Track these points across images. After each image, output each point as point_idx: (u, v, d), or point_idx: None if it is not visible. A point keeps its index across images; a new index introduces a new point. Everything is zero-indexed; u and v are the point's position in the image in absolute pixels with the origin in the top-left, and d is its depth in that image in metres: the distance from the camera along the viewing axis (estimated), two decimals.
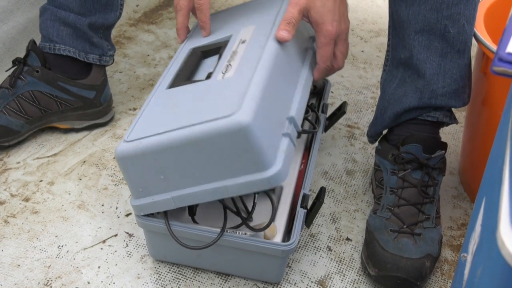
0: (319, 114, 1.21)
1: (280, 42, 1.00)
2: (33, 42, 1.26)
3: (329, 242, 1.12)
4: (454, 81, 1.07)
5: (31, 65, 1.25)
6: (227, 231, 0.96)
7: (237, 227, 0.98)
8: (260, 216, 1.03)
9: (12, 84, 1.24)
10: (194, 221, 1.00)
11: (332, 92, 1.49)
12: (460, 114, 1.41)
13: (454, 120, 1.12)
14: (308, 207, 1.02)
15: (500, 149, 0.62)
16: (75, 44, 1.27)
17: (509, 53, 0.52)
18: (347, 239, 1.13)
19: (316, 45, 1.05)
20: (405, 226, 1.05)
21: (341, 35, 1.04)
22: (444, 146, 1.10)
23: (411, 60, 1.07)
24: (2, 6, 1.41)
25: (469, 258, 0.67)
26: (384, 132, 1.17)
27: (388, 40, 1.13)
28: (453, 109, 1.12)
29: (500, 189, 0.51)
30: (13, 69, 1.27)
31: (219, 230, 0.95)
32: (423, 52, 1.05)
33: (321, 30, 1.01)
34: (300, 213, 1.00)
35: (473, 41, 1.08)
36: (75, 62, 1.28)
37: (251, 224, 0.99)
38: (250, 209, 0.98)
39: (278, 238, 0.99)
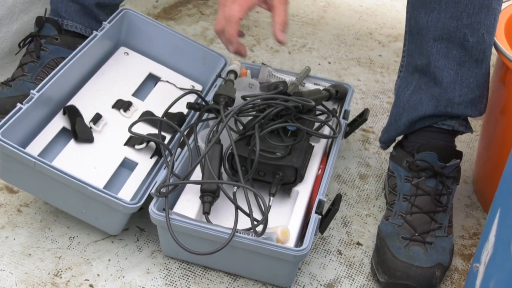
0: (340, 120, 1.21)
1: None
2: (42, 17, 1.31)
3: (340, 245, 1.12)
4: (471, 90, 1.06)
5: (48, 35, 1.30)
6: (239, 232, 0.96)
7: (249, 229, 0.98)
8: (275, 218, 1.03)
9: (37, 56, 1.28)
10: (208, 220, 1.00)
11: None
12: (476, 122, 1.40)
13: (469, 129, 1.11)
14: (323, 214, 1.02)
15: None
16: (82, 20, 1.32)
17: None
18: (358, 243, 1.13)
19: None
20: (416, 234, 1.04)
21: None
22: (459, 155, 1.10)
23: (428, 67, 1.06)
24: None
25: (482, 269, 0.67)
26: (398, 139, 1.17)
27: (404, 46, 1.13)
28: (468, 118, 1.11)
29: None
30: (25, 48, 1.32)
31: (230, 230, 0.95)
32: (441, 60, 1.05)
33: None
34: (315, 219, 1.00)
35: (492, 50, 1.07)
36: (81, 37, 1.31)
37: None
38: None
39: (291, 242, 0.99)
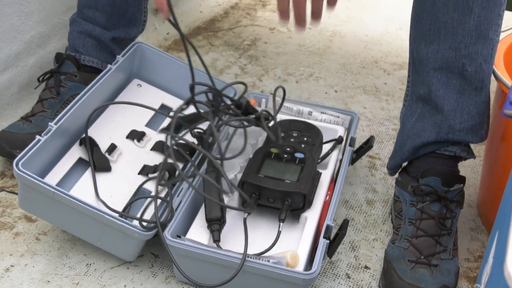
0: (346, 147, 1.25)
1: None
2: (62, 54, 1.36)
3: (348, 269, 1.15)
4: (471, 118, 1.10)
5: (68, 72, 1.35)
6: (250, 257, 0.99)
7: (260, 254, 1.01)
8: (285, 243, 1.06)
9: (57, 92, 1.33)
10: (219, 247, 1.03)
11: None
12: (480, 148, 1.44)
13: (471, 154, 1.15)
14: (331, 238, 1.05)
15: None
16: (98, 55, 1.37)
17: None
18: (366, 267, 1.16)
19: None
20: (422, 257, 1.07)
21: None
22: (462, 180, 1.13)
23: (430, 96, 1.10)
24: (40, 32, 1.48)
25: None
26: (404, 165, 1.20)
27: (408, 76, 1.17)
28: (471, 144, 1.15)
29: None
30: (44, 83, 1.37)
31: (240, 255, 0.99)
32: (442, 89, 1.09)
33: None
34: (323, 243, 1.03)
35: (492, 77, 1.11)
36: (98, 72, 1.35)
37: (275, 252, 1.02)
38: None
39: (300, 267, 1.02)
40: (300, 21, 0.98)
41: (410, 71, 1.16)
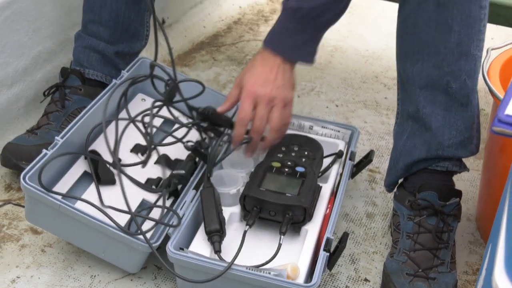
0: (346, 161, 1.27)
1: None
2: (67, 68, 1.40)
3: (348, 282, 1.17)
4: (460, 133, 1.12)
5: (72, 86, 1.38)
6: (249, 269, 1.01)
7: (261, 266, 1.03)
8: (285, 256, 1.08)
9: (62, 106, 1.36)
10: (221, 258, 1.05)
11: None
12: (479, 162, 1.46)
13: (464, 168, 1.17)
14: (331, 251, 1.08)
15: (504, 199, 0.67)
16: (102, 69, 1.40)
17: (508, 115, 0.58)
18: (365, 280, 1.18)
19: None
20: (420, 270, 1.09)
21: (263, 98, 1.12)
22: (458, 193, 1.16)
23: (418, 114, 1.13)
24: (47, 47, 1.51)
25: None
26: (400, 181, 1.23)
27: (398, 95, 1.20)
28: (471, 157, 1.17)
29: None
30: (49, 97, 1.41)
31: (243, 267, 1.01)
32: (428, 107, 1.11)
33: (243, 89, 1.13)
34: (323, 256, 1.05)
35: (484, 93, 1.13)
36: (102, 85, 1.39)
37: (276, 264, 1.04)
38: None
39: (300, 279, 1.04)
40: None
41: (399, 89, 1.19)
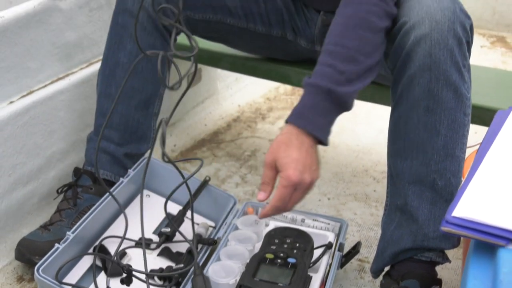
0: (335, 252, 1.37)
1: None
2: (80, 168, 1.52)
3: None
4: None
5: (84, 185, 1.50)
6: None
7: None
8: None
9: (74, 203, 1.47)
10: None
11: None
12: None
13: (446, 259, 1.26)
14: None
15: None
16: (112, 169, 1.51)
17: (454, 217, 0.69)
18: None
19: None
20: None
21: (302, 185, 1.14)
22: (439, 282, 1.25)
23: (406, 207, 1.24)
24: (61, 148, 1.64)
25: None
26: (386, 269, 1.32)
27: (387, 188, 1.31)
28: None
29: None
30: (62, 194, 1.52)
31: None
32: (416, 200, 1.22)
33: (283, 175, 1.13)
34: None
35: None
36: (111, 184, 1.49)
37: None
38: None
39: None
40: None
41: (389, 183, 1.30)
